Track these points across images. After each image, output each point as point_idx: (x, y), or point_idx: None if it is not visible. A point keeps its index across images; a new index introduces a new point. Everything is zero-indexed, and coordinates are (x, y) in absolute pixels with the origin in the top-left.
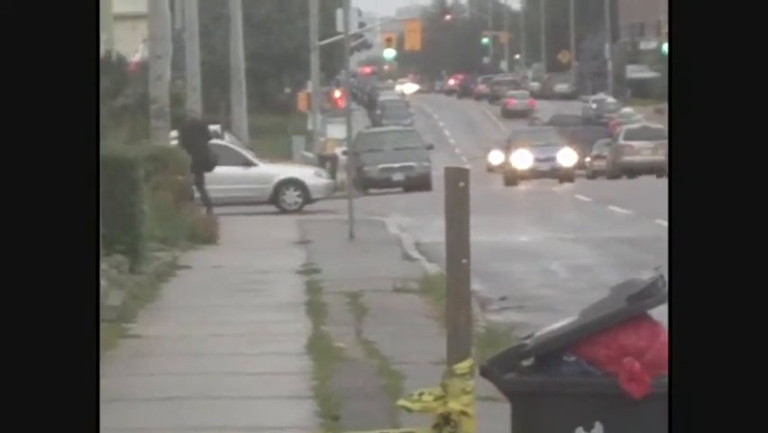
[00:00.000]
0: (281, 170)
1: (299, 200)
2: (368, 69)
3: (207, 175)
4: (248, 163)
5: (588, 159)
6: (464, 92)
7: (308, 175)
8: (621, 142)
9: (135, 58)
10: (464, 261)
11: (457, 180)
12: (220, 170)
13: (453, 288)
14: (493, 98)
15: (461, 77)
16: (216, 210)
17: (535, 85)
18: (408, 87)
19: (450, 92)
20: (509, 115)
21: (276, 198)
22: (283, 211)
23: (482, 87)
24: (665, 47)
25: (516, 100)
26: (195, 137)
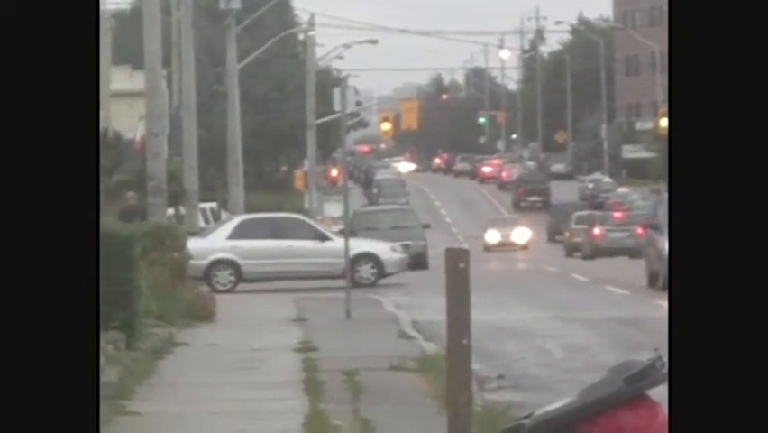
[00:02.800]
0: (356, 245)
1: (374, 274)
2: (365, 148)
3: (282, 248)
4: (322, 237)
5: (566, 233)
6: (448, 170)
7: (383, 250)
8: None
9: (137, 136)
10: (465, 341)
11: (458, 261)
12: (294, 243)
13: (454, 368)
14: (473, 175)
15: (445, 156)
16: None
17: (531, 164)
18: (404, 166)
19: (436, 170)
20: (483, 181)
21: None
22: (357, 285)
23: (462, 165)
24: (662, 125)
25: (490, 168)
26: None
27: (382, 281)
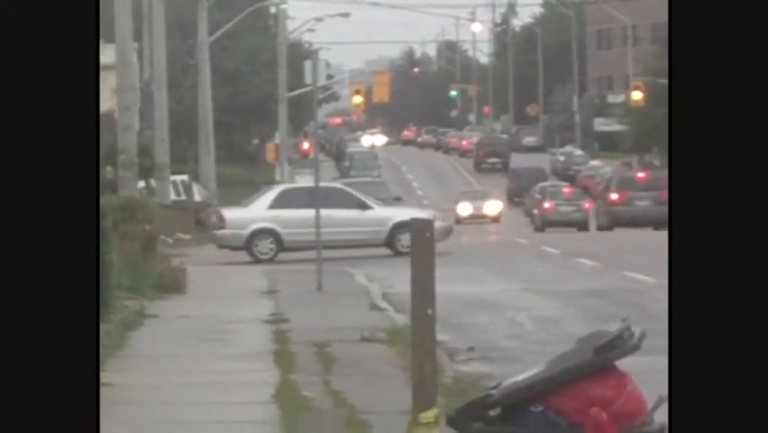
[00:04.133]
0: (397, 213)
1: None
2: (338, 120)
3: (325, 217)
4: (363, 206)
5: (526, 201)
6: (416, 143)
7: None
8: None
9: (114, 110)
10: (429, 311)
11: (423, 231)
12: (335, 212)
13: (419, 338)
14: (437, 147)
15: (414, 129)
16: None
17: (503, 137)
18: (379, 139)
19: (405, 143)
20: (447, 152)
21: (391, 241)
22: (398, 254)
23: (426, 137)
24: (634, 97)
25: (455, 139)
26: None
27: (352, 251)
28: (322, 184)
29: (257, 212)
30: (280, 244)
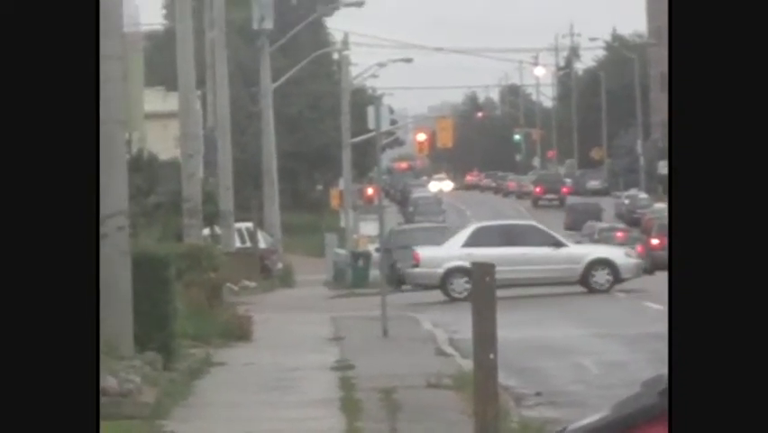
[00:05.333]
0: (591, 251)
1: (610, 280)
2: (404, 165)
3: (519, 255)
4: (558, 244)
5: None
6: (475, 187)
7: (618, 255)
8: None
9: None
10: (491, 355)
11: (484, 275)
12: (529, 250)
13: (481, 383)
14: (497, 191)
15: (476, 173)
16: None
17: (568, 181)
18: (446, 185)
19: (468, 188)
20: (507, 195)
21: (586, 279)
22: (592, 291)
23: (486, 181)
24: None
25: (515, 183)
26: None
27: (417, 297)
28: (515, 222)
29: (451, 250)
30: None
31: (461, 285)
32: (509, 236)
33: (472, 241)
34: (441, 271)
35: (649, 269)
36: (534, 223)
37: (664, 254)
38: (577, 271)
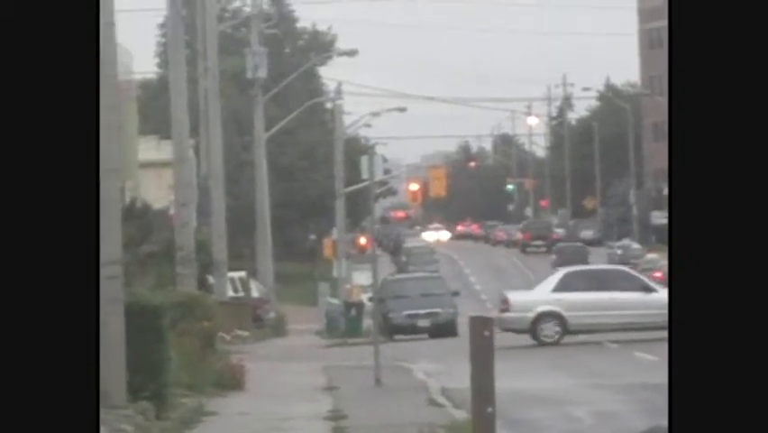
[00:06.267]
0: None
1: None
2: (401, 214)
3: (608, 300)
4: (647, 289)
5: None
6: (468, 237)
7: None
8: None
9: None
10: (490, 409)
11: (482, 329)
12: (619, 295)
13: None
14: (487, 239)
15: (468, 223)
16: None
17: (561, 231)
18: (443, 235)
19: (459, 237)
20: (495, 244)
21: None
22: None
23: (474, 228)
24: None
25: (503, 232)
26: None
27: (410, 347)
28: (605, 266)
29: (541, 295)
30: (565, 327)
31: (551, 329)
32: (599, 281)
33: (562, 285)
34: (531, 315)
35: None
36: (624, 268)
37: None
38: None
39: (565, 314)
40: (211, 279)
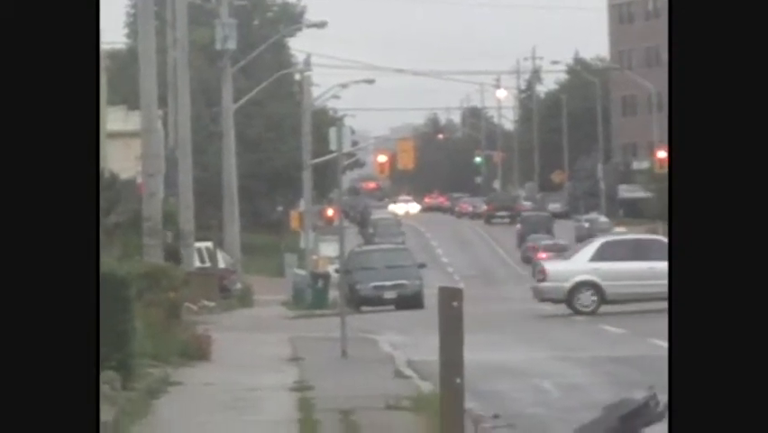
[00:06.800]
0: None
1: None
2: (372, 185)
3: (646, 269)
4: None
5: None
6: (435, 209)
7: None
8: None
9: (137, 177)
10: (458, 380)
11: (451, 300)
12: (657, 265)
13: (448, 406)
14: (453, 211)
15: (435, 195)
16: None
17: (529, 204)
18: (413, 207)
19: (426, 209)
20: (460, 216)
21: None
22: None
23: (442, 200)
24: (659, 164)
25: (467, 204)
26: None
27: (376, 319)
28: (642, 236)
29: (578, 264)
30: (602, 297)
31: (588, 299)
32: (636, 251)
33: (599, 255)
34: (568, 285)
35: None
36: (660, 237)
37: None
38: None
39: (602, 283)
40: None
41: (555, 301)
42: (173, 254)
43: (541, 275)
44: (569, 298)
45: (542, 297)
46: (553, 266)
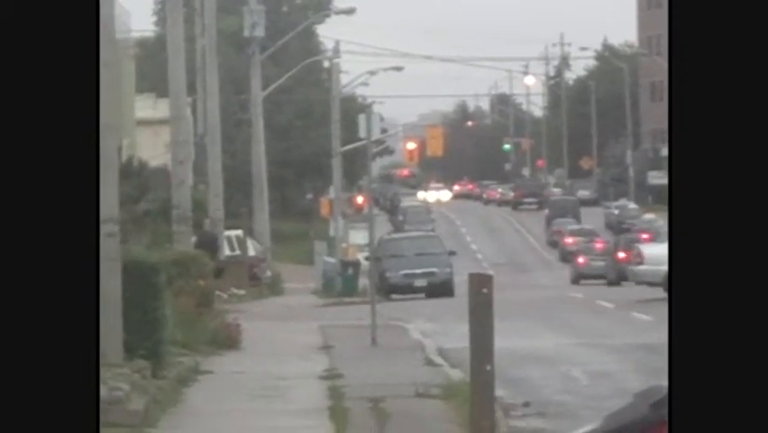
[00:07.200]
0: None
1: None
2: (405, 172)
3: None
4: None
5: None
6: (465, 196)
7: None
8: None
9: (168, 165)
10: (488, 367)
11: (481, 287)
12: None
13: (478, 393)
14: (480, 198)
15: (465, 182)
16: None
17: (557, 191)
18: (444, 194)
19: (455, 197)
20: (488, 203)
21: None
22: None
23: (471, 188)
24: None
25: (495, 192)
26: (205, 247)
27: (406, 307)
28: None
29: None
30: None
31: None
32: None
33: None
34: (665, 268)
35: (615, 280)
36: None
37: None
38: None
39: None
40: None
41: (651, 284)
42: (212, 241)
43: (638, 258)
44: (665, 281)
45: (638, 280)
46: (650, 250)
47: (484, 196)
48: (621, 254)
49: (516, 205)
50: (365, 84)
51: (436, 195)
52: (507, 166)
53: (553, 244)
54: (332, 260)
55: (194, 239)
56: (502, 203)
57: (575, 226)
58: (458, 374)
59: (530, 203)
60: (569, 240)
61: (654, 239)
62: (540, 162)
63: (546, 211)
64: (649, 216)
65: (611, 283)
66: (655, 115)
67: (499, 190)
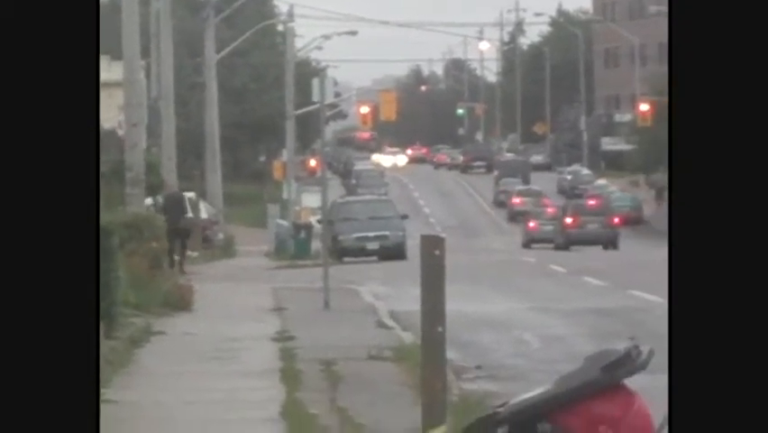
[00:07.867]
0: None
1: None
2: (366, 135)
3: None
4: None
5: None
6: (418, 160)
7: None
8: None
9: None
10: (440, 329)
11: (432, 249)
12: None
13: (429, 355)
14: (428, 161)
15: (418, 147)
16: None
17: (510, 156)
18: (401, 159)
19: (409, 161)
20: (438, 167)
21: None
22: None
23: (424, 152)
24: (641, 117)
25: (445, 156)
26: (171, 207)
27: (359, 270)
28: None
29: None
30: None
31: None
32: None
33: None
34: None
35: (563, 245)
36: None
37: (577, 232)
38: None
39: None
40: (160, 199)
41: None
42: (178, 202)
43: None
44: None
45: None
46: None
47: (435, 160)
48: (568, 220)
49: (464, 168)
50: (319, 48)
51: (392, 159)
52: (461, 131)
53: (500, 204)
54: (284, 223)
55: (158, 199)
56: (452, 167)
57: (522, 187)
58: (409, 337)
59: (479, 167)
60: (516, 200)
61: (601, 204)
62: (494, 132)
63: (495, 172)
64: (602, 181)
65: (558, 248)
66: (609, 82)
67: (449, 154)
